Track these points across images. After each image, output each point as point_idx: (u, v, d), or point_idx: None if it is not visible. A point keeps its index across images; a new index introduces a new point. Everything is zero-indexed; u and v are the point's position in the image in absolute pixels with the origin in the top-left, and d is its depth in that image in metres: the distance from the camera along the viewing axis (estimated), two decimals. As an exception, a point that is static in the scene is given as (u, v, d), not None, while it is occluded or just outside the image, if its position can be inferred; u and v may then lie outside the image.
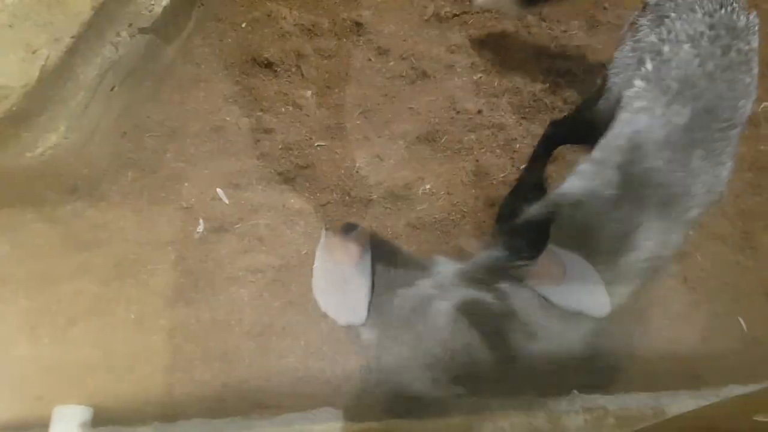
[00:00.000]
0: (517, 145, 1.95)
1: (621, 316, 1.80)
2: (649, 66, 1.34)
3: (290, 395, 1.71)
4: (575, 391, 1.57)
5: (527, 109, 2.01)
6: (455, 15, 2.15)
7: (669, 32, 1.36)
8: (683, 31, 1.34)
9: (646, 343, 1.81)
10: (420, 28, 2.14)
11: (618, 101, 1.38)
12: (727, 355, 1.81)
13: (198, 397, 1.72)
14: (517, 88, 2.03)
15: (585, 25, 2.13)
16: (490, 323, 1.50)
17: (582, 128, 1.54)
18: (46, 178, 1.79)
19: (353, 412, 1.59)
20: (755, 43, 1.36)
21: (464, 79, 2.05)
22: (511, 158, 1.92)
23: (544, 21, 2.13)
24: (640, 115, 1.31)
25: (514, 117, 1.99)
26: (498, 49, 2.09)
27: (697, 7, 1.36)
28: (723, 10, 1.35)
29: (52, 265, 1.84)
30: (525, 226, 1.35)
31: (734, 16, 1.35)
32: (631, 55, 1.43)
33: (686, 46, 1.32)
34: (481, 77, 2.06)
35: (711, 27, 1.33)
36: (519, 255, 1.33)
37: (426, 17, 2.16)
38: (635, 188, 1.29)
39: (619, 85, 1.42)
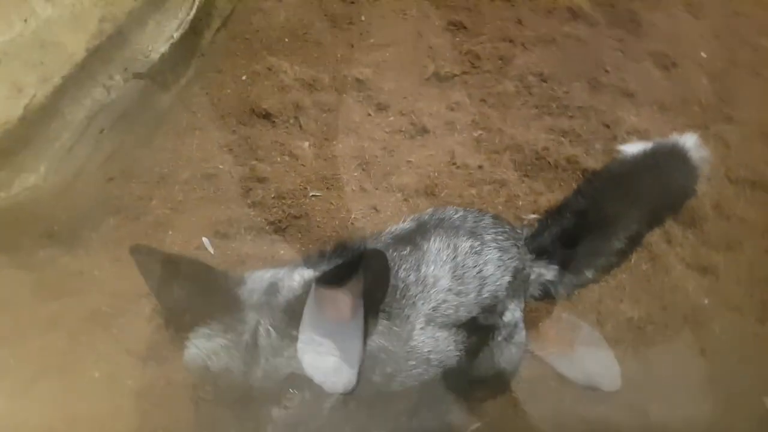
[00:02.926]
0: (520, 202, 1.87)
1: (634, 390, 1.65)
2: None
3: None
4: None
5: (530, 167, 1.94)
6: (455, 75, 2.14)
7: None
8: None
9: (661, 420, 1.64)
10: (420, 86, 2.13)
11: None
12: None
13: (163, 473, 1.53)
14: (519, 145, 1.98)
15: (587, 87, 2.11)
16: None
17: None
18: (21, 221, 1.69)
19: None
20: None
21: (464, 135, 2.01)
22: (514, 214, 1.83)
23: (545, 81, 2.12)
24: None
25: (516, 174, 1.93)
26: (499, 108, 2.07)
27: None
28: None
29: (20, 316, 1.70)
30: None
31: None
32: None
33: None
34: (481, 134, 2.01)
35: None
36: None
37: (426, 76, 2.15)
38: None
39: None
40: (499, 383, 1.58)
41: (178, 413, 1.58)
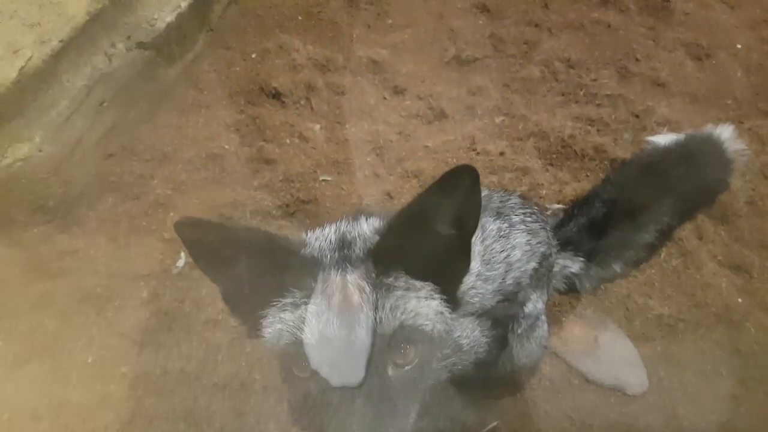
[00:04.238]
0: (544, 191, 1.75)
1: (663, 394, 1.53)
2: None
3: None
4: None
5: (555, 155, 1.83)
6: (477, 58, 2.04)
7: None
8: None
9: (692, 426, 1.51)
10: (440, 70, 2.02)
11: None
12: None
13: (156, 464, 1.42)
14: (544, 132, 1.86)
15: (616, 75, 2.00)
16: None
17: None
18: (14, 194, 1.60)
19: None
20: None
21: (485, 120, 1.90)
22: (536, 204, 1.72)
23: (572, 68, 2.00)
24: None
25: (540, 162, 1.81)
26: (523, 93, 1.96)
27: None
28: None
29: (10, 295, 1.61)
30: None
31: None
32: None
33: None
34: (504, 120, 1.90)
35: None
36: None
37: (446, 60, 2.05)
38: None
39: None
40: (518, 380, 1.46)
41: (174, 401, 1.48)
